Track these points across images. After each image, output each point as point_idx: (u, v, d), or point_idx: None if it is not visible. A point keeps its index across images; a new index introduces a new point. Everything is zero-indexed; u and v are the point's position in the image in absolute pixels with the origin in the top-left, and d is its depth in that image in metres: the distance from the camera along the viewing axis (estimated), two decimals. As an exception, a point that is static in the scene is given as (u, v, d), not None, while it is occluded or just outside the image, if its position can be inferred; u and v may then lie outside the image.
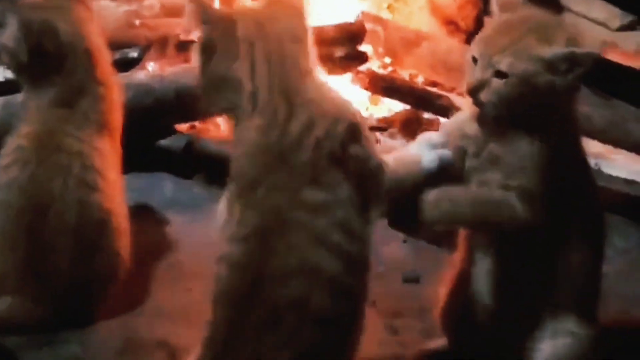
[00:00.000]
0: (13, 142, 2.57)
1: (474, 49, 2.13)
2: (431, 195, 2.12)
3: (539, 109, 2.09)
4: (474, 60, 2.12)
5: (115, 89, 2.68)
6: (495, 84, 2.07)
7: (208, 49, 2.01)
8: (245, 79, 1.98)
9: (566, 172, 2.16)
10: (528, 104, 2.08)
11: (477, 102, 2.12)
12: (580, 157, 2.23)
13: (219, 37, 2.00)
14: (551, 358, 2.20)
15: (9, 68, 2.71)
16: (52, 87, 2.58)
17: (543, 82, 2.05)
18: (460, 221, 2.18)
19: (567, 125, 2.17)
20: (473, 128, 2.17)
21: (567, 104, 2.15)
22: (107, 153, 2.62)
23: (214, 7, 2.03)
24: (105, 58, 2.68)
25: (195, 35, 2.03)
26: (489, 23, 2.19)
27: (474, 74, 2.10)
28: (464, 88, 2.14)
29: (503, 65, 2.06)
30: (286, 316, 1.95)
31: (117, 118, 2.67)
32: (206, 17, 2.00)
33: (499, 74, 2.06)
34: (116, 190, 2.61)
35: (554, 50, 2.05)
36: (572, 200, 2.18)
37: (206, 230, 2.97)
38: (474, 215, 2.14)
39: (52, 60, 2.58)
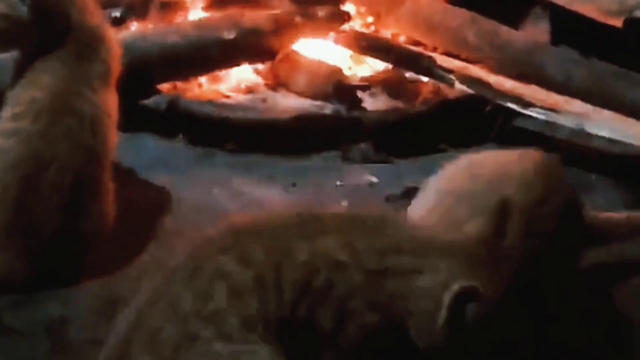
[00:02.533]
0: (27, 92, 2.56)
1: None
2: None
3: None
4: None
5: (115, 43, 2.70)
6: None
7: None
8: None
9: None
10: None
11: None
12: None
13: None
14: None
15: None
16: (61, 47, 2.59)
17: None
18: None
19: None
20: None
21: None
22: (113, 113, 2.63)
23: None
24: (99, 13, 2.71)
25: None
26: None
27: None
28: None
29: None
30: None
31: (117, 74, 2.70)
32: None
33: None
34: (112, 151, 2.63)
35: None
36: None
37: (188, 189, 3.00)
38: None
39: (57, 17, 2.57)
